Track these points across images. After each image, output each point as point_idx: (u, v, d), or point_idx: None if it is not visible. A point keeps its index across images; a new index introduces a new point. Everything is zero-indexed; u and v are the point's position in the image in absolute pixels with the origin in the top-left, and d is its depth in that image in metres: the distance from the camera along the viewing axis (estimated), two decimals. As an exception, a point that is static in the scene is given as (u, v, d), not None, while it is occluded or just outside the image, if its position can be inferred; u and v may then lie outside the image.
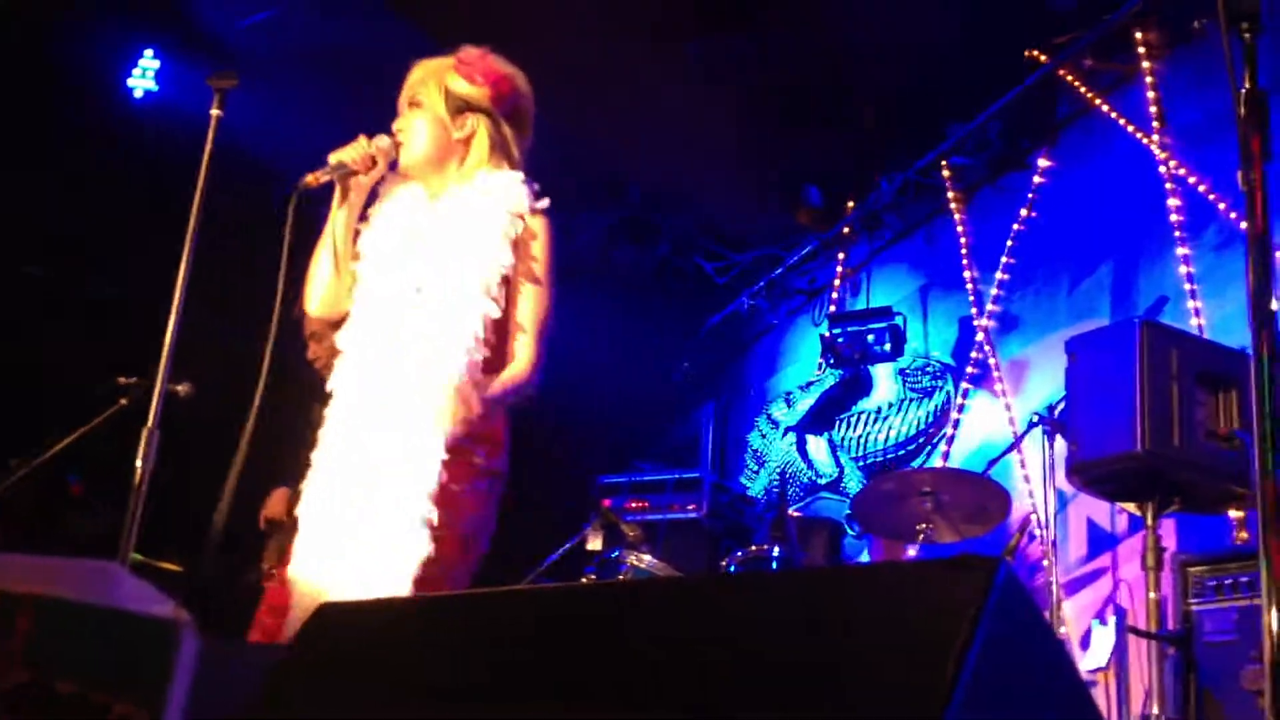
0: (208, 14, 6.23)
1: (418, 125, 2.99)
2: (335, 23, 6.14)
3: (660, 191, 7.41)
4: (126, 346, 3.78)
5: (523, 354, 2.88)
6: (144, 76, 6.42)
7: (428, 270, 2.88)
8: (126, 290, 6.24)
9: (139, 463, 2.78)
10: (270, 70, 6.27)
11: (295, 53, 6.35)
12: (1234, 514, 4.21)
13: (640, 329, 7.99)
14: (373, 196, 3.03)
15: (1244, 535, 4.15)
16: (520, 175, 2.99)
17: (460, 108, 2.99)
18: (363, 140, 2.95)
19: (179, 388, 3.41)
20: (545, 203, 2.97)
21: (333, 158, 2.93)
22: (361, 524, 2.73)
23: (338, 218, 2.97)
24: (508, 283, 2.89)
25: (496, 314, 2.85)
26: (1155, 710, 3.38)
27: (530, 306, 2.91)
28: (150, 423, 2.81)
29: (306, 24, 6.12)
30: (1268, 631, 1.64)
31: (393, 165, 3.00)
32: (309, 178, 2.88)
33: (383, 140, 2.97)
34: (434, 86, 3.00)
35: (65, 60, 6.26)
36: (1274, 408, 1.73)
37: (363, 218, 3.01)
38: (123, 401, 3.83)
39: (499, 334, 2.87)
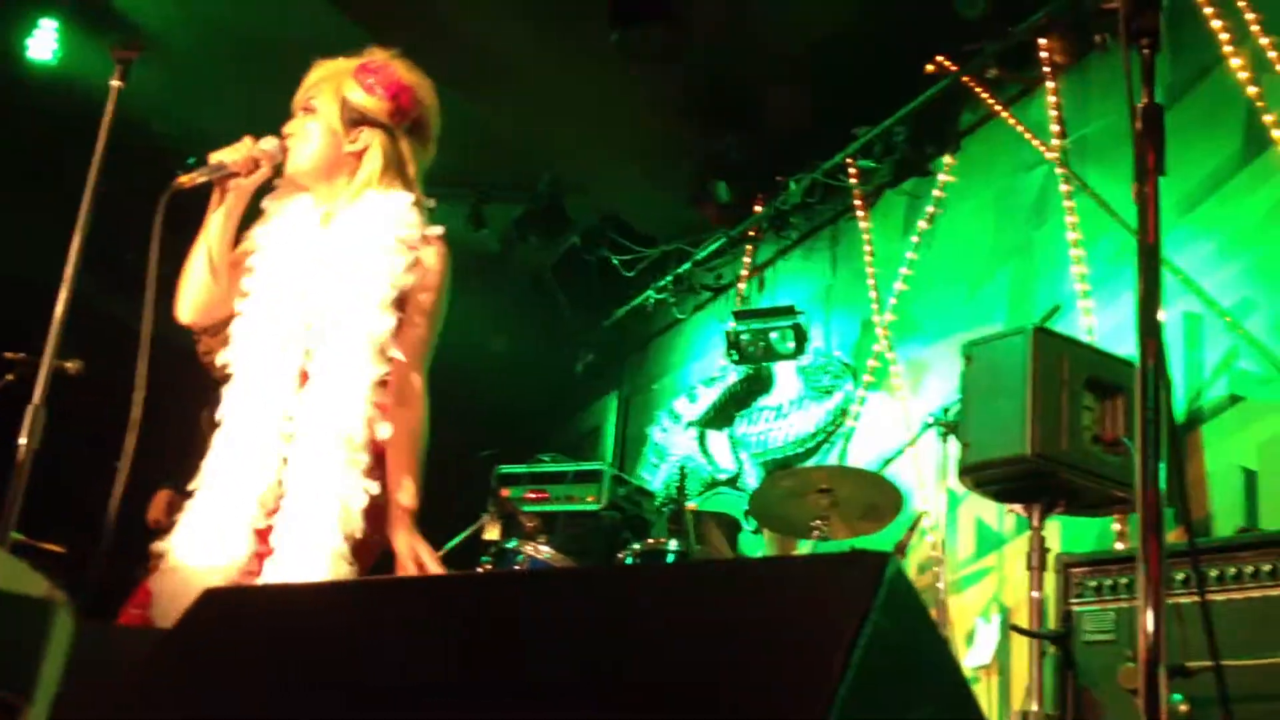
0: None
1: (309, 131, 2.83)
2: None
3: (569, 183, 7.40)
4: (15, 323, 3.68)
5: (410, 392, 2.77)
6: (41, 44, 6.22)
7: (318, 301, 2.75)
8: (18, 265, 6.06)
9: (22, 440, 2.70)
10: (177, 44, 6.14)
11: (203, 26, 6.22)
12: (1116, 518, 4.33)
13: (546, 320, 7.96)
14: (259, 199, 2.90)
15: (1121, 546, 4.27)
16: (412, 198, 2.85)
17: (355, 119, 2.83)
18: (247, 141, 2.81)
19: (69, 364, 3.32)
20: (439, 230, 2.85)
21: (213, 157, 2.78)
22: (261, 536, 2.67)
23: (213, 221, 2.80)
24: (402, 305, 2.78)
25: (390, 351, 2.74)
26: (1035, 707, 3.46)
27: (414, 339, 2.78)
28: (36, 399, 2.73)
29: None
30: (1143, 632, 1.69)
31: (279, 171, 2.86)
32: (183, 178, 2.72)
33: (269, 143, 2.83)
34: (329, 93, 2.84)
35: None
36: (1156, 415, 1.78)
37: (245, 227, 2.87)
38: (9, 377, 3.73)
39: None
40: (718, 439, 7.07)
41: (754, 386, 7.01)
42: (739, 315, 6.62)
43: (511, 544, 4.66)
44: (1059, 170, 5.39)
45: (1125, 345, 4.52)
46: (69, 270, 2.82)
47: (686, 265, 7.55)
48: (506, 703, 1.45)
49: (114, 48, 3.07)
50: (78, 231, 2.86)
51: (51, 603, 1.20)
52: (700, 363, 7.54)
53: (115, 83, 3.00)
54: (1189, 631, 2.62)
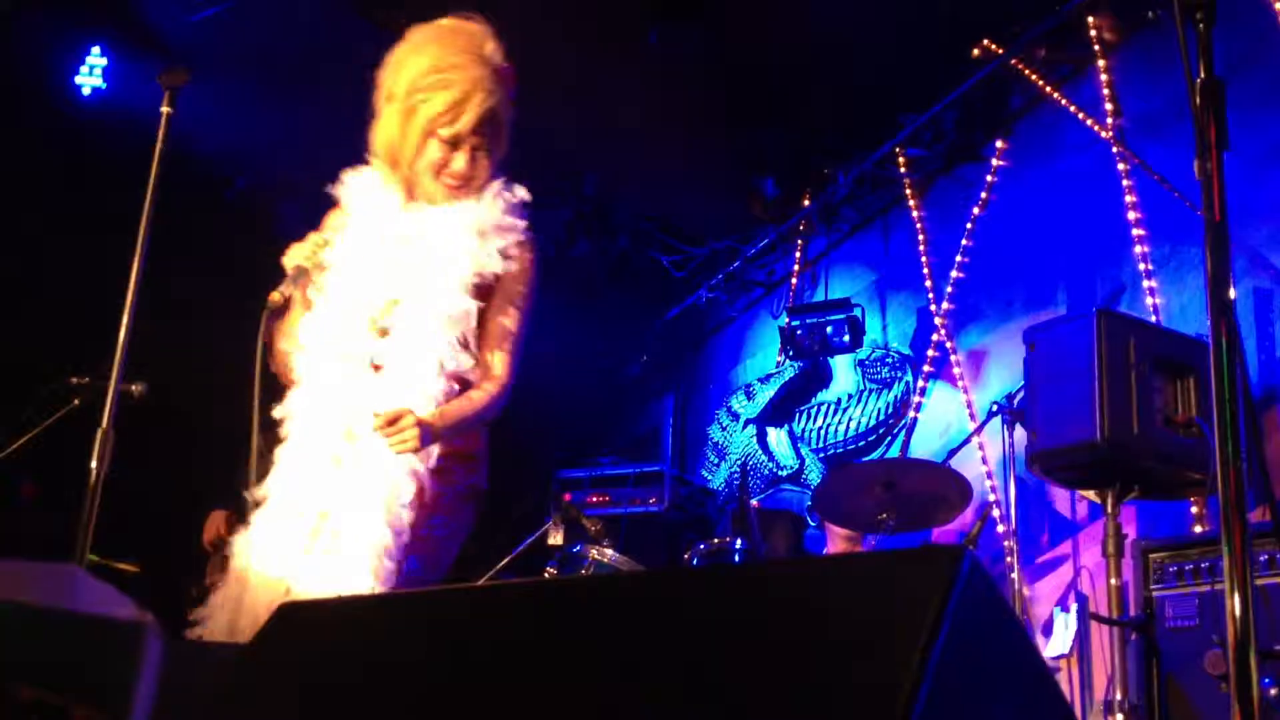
0: (156, 10, 6.14)
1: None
2: (290, 19, 6.06)
3: (617, 185, 7.39)
4: (76, 347, 3.73)
5: (497, 370, 2.86)
6: (91, 74, 6.31)
7: (401, 288, 2.84)
8: (78, 290, 6.16)
9: (94, 463, 2.73)
10: (224, 68, 6.20)
11: (249, 49, 6.28)
12: (1194, 500, 4.26)
13: (598, 323, 7.97)
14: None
15: (1199, 529, 4.19)
16: (499, 188, 2.93)
17: (469, 132, 2.89)
18: (312, 237, 2.89)
19: (134, 387, 3.36)
20: (524, 224, 2.93)
21: (289, 264, 2.85)
22: (325, 542, 2.71)
23: (293, 316, 2.88)
24: (486, 293, 2.85)
25: (468, 337, 2.81)
26: (1118, 696, 3.41)
27: (508, 325, 2.88)
28: (105, 423, 2.77)
29: (260, 19, 6.05)
30: (1231, 616, 1.65)
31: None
32: (275, 295, 2.81)
33: (320, 238, 2.90)
34: (490, 123, 2.92)
35: (11, 58, 6.15)
36: (1232, 394, 1.74)
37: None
38: (75, 402, 3.78)
39: (476, 345, 2.85)
40: (777, 435, 7.04)
41: (811, 381, 6.97)
42: (793, 310, 6.59)
43: (576, 548, 4.65)
44: (1115, 149, 5.30)
45: (1192, 325, 4.44)
46: (130, 295, 2.85)
47: (737, 263, 7.53)
48: (583, 710, 1.44)
49: (162, 75, 3.11)
50: (136, 257, 2.89)
51: (141, 624, 1.21)
52: (756, 360, 7.52)
53: (165, 109, 3.04)
54: (1275, 614, 2.56)
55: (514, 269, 2.89)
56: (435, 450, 2.76)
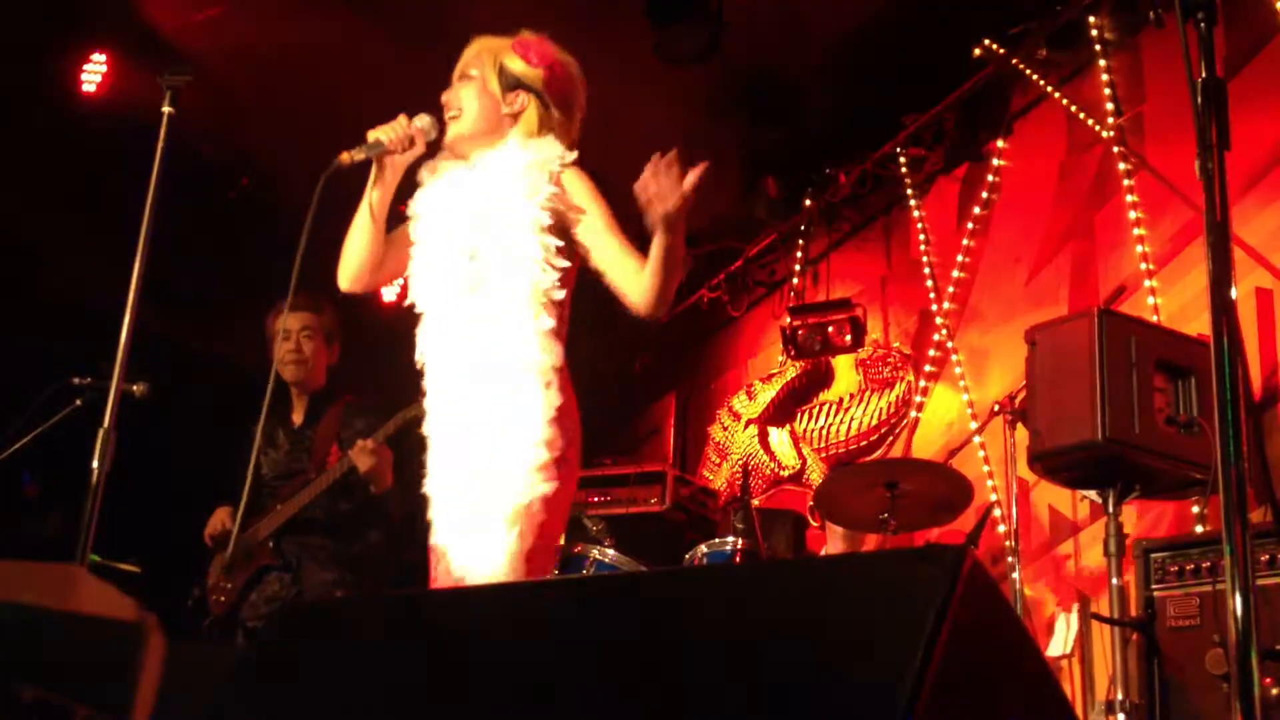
0: (158, 11, 6.14)
1: (467, 97, 2.96)
2: (289, 20, 6.06)
3: (617, 185, 7.38)
4: (76, 346, 3.73)
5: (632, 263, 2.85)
6: (92, 74, 6.31)
7: (479, 239, 2.86)
8: (74, 291, 6.16)
9: (95, 463, 2.73)
10: (223, 68, 6.19)
11: (248, 51, 6.28)
12: (1195, 500, 4.25)
13: (600, 322, 7.95)
14: (410, 183, 3.02)
15: (1201, 529, 4.18)
16: (555, 143, 2.97)
17: (513, 84, 2.98)
18: (401, 119, 2.94)
19: (135, 387, 3.37)
20: (573, 155, 2.99)
21: (370, 135, 2.92)
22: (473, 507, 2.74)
23: (372, 196, 2.96)
24: (565, 233, 2.87)
25: (556, 269, 2.83)
26: (1119, 696, 3.40)
27: (616, 242, 2.87)
28: (107, 423, 2.77)
29: (259, 21, 6.05)
30: (1232, 616, 1.65)
31: (434, 144, 2.99)
32: (344, 156, 2.88)
33: (422, 119, 2.96)
34: (489, 61, 2.99)
35: (13, 59, 6.15)
36: (1233, 394, 1.74)
37: (402, 205, 3.01)
38: (78, 402, 3.78)
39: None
40: (779, 435, 7.04)
41: (813, 381, 6.97)
42: (794, 310, 6.59)
43: (578, 549, 4.65)
44: (1117, 149, 5.30)
45: (1192, 324, 4.44)
46: (131, 295, 2.85)
47: (738, 263, 7.52)
48: (584, 710, 1.44)
49: (164, 75, 3.12)
50: (139, 257, 2.90)
51: (143, 625, 1.21)
52: (757, 360, 7.51)
53: (167, 109, 3.05)
54: (1277, 614, 2.56)
55: (576, 192, 2.92)
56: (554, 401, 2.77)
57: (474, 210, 2.88)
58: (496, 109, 2.96)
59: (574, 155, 2.97)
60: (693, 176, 2.74)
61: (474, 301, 2.83)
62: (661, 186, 2.72)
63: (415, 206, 2.98)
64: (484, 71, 2.99)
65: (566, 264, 2.85)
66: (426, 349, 2.89)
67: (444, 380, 2.85)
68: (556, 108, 3.01)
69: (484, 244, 2.85)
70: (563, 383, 2.82)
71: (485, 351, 2.79)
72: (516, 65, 2.99)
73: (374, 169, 2.96)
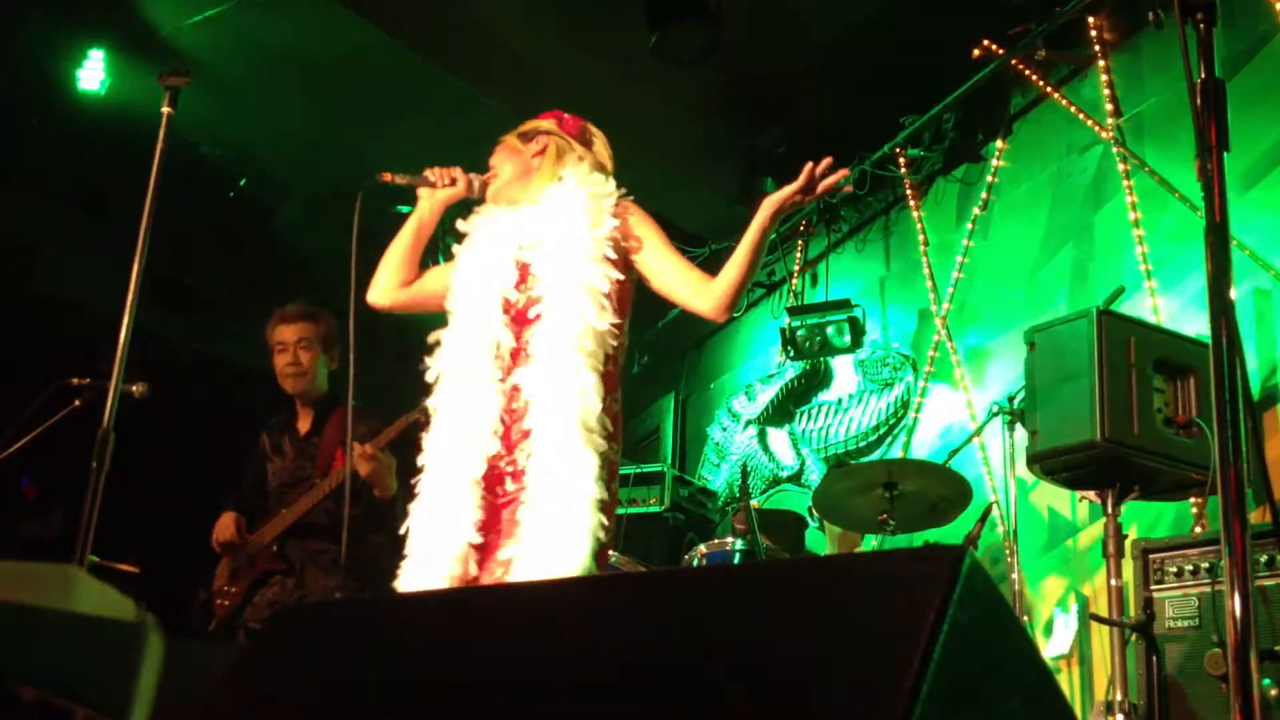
0: (156, 11, 6.13)
1: (498, 160, 3.23)
2: (289, 20, 6.05)
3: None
4: (74, 347, 3.73)
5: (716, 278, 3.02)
6: (92, 75, 6.30)
7: (535, 272, 3.01)
8: (75, 290, 6.16)
9: (94, 464, 2.73)
10: (223, 69, 6.19)
11: (247, 51, 6.28)
12: (1194, 501, 4.25)
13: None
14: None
15: (1199, 529, 4.18)
16: (590, 164, 3.17)
17: (528, 134, 3.25)
18: (458, 169, 3.20)
19: (134, 388, 3.37)
20: (621, 191, 3.17)
21: (421, 169, 3.18)
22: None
23: (410, 222, 3.24)
24: (619, 263, 3.01)
25: (608, 305, 2.95)
26: (1118, 696, 3.40)
27: (676, 262, 3.06)
28: (106, 423, 2.77)
29: (258, 21, 6.04)
30: (1231, 616, 1.65)
31: (471, 205, 3.19)
32: (385, 175, 3.11)
33: (475, 175, 3.20)
34: (506, 137, 3.28)
35: (11, 59, 6.15)
36: (1232, 394, 1.74)
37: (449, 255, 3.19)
38: (76, 403, 3.78)
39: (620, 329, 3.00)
40: (778, 436, 7.03)
41: (812, 382, 6.97)
42: (793, 311, 6.58)
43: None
44: (1116, 150, 5.30)
45: (1192, 325, 4.44)
46: (130, 295, 2.85)
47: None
48: (584, 710, 1.44)
49: (162, 75, 3.12)
50: (138, 257, 2.90)
51: (142, 626, 1.21)
52: (756, 360, 7.51)
53: (165, 109, 3.05)
54: (1275, 614, 2.56)
55: (634, 224, 3.10)
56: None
57: (531, 240, 3.05)
58: (524, 157, 3.21)
59: (622, 191, 3.16)
60: (831, 179, 3.04)
61: (526, 336, 2.96)
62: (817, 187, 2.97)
63: (465, 240, 3.16)
64: (506, 140, 3.28)
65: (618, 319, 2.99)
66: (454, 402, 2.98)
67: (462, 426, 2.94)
68: (577, 142, 3.25)
69: (543, 273, 2.99)
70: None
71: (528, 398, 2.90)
72: (529, 124, 3.28)
73: (418, 198, 3.22)
